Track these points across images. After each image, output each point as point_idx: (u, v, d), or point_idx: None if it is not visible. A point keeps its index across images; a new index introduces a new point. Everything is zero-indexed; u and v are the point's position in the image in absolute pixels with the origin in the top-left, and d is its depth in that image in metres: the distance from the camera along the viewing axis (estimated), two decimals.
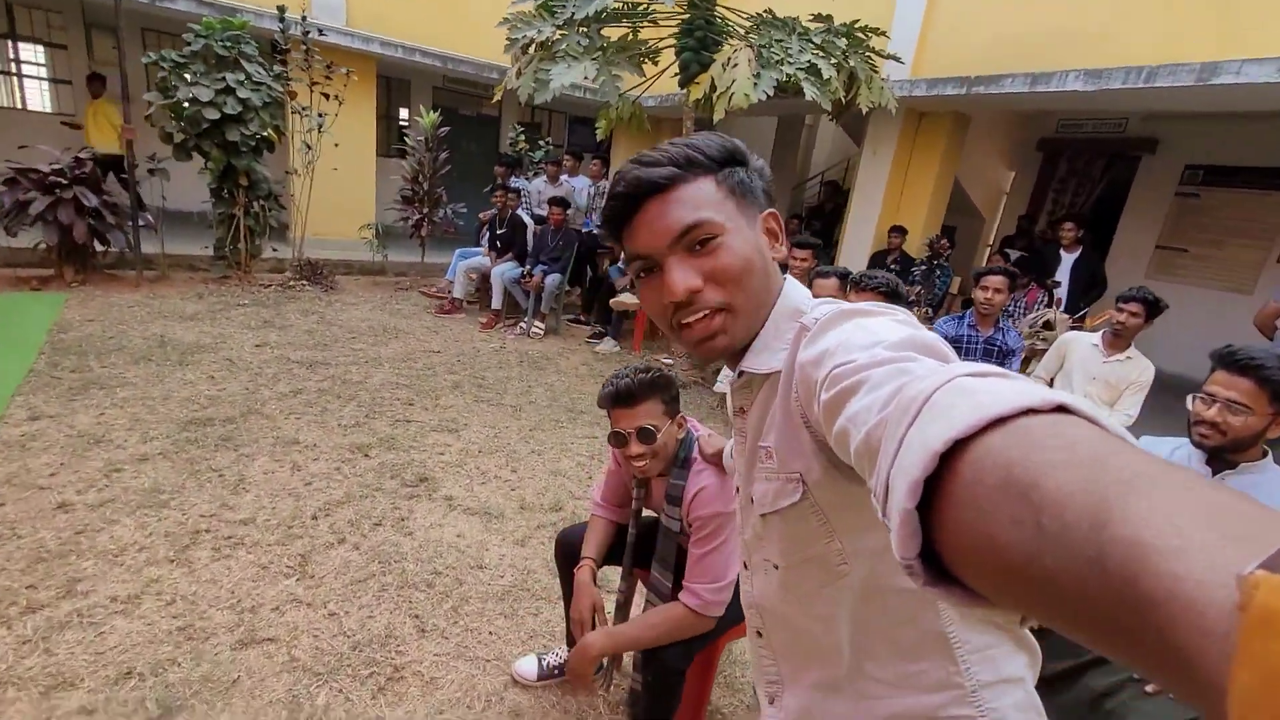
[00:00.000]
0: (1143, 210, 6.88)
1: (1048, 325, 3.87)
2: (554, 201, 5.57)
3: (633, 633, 1.44)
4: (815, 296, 2.60)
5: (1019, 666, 0.71)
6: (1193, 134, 6.35)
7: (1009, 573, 0.28)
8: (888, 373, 0.46)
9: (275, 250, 6.51)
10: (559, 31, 4.56)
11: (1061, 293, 4.87)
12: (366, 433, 3.31)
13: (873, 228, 6.27)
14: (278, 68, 5.88)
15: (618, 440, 1.43)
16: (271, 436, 3.12)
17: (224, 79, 5.39)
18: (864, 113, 4.80)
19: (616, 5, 4.56)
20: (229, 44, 5.50)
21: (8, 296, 4.72)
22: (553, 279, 5.51)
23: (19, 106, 8.48)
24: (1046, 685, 1.39)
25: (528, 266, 5.58)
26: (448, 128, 6.81)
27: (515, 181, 6.84)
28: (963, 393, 0.35)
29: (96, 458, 2.71)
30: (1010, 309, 4.40)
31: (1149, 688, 1.35)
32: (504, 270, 5.62)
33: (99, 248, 5.44)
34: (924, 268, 5.50)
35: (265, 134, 5.63)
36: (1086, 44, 4.62)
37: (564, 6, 4.51)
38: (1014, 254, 6.24)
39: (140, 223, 5.50)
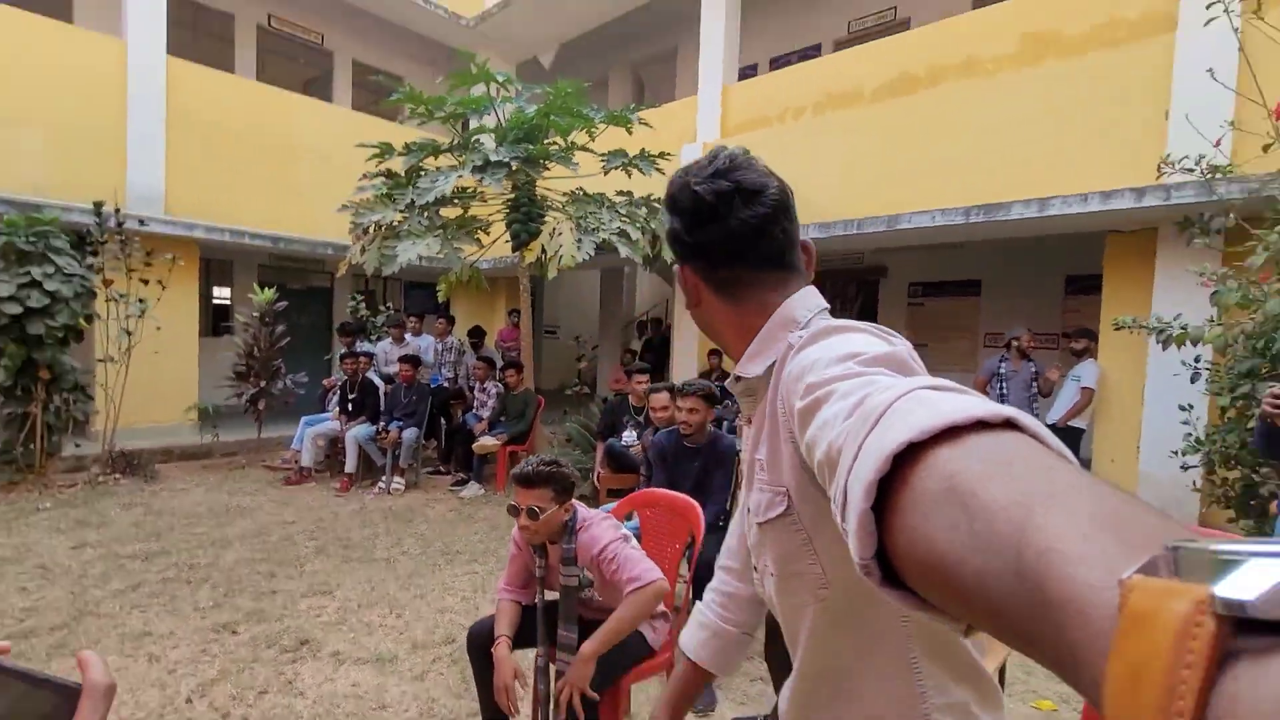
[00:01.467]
0: (889, 317, 8.79)
1: None
2: (404, 360, 5.86)
3: (611, 627, 1.70)
4: (652, 409, 3.27)
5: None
6: (909, 261, 8.44)
7: (944, 574, 0.30)
8: (856, 385, 0.47)
9: (78, 445, 5.89)
10: (400, 215, 5.16)
11: None
12: (230, 610, 3.15)
13: (694, 355, 7.32)
14: (90, 259, 5.74)
15: (512, 511, 1.81)
16: (116, 634, 2.87)
17: (28, 273, 5.16)
18: (669, 263, 5.90)
19: (451, 192, 5.31)
20: (34, 239, 5.33)
21: None
22: (409, 433, 5.64)
23: None
24: None
25: (382, 423, 5.68)
26: (284, 302, 6.92)
27: (362, 346, 7.02)
28: (921, 403, 0.37)
29: None
30: None
31: None
32: (358, 431, 5.65)
33: None
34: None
35: (74, 323, 5.36)
36: (815, 205, 6.20)
37: (404, 194, 5.16)
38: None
39: None
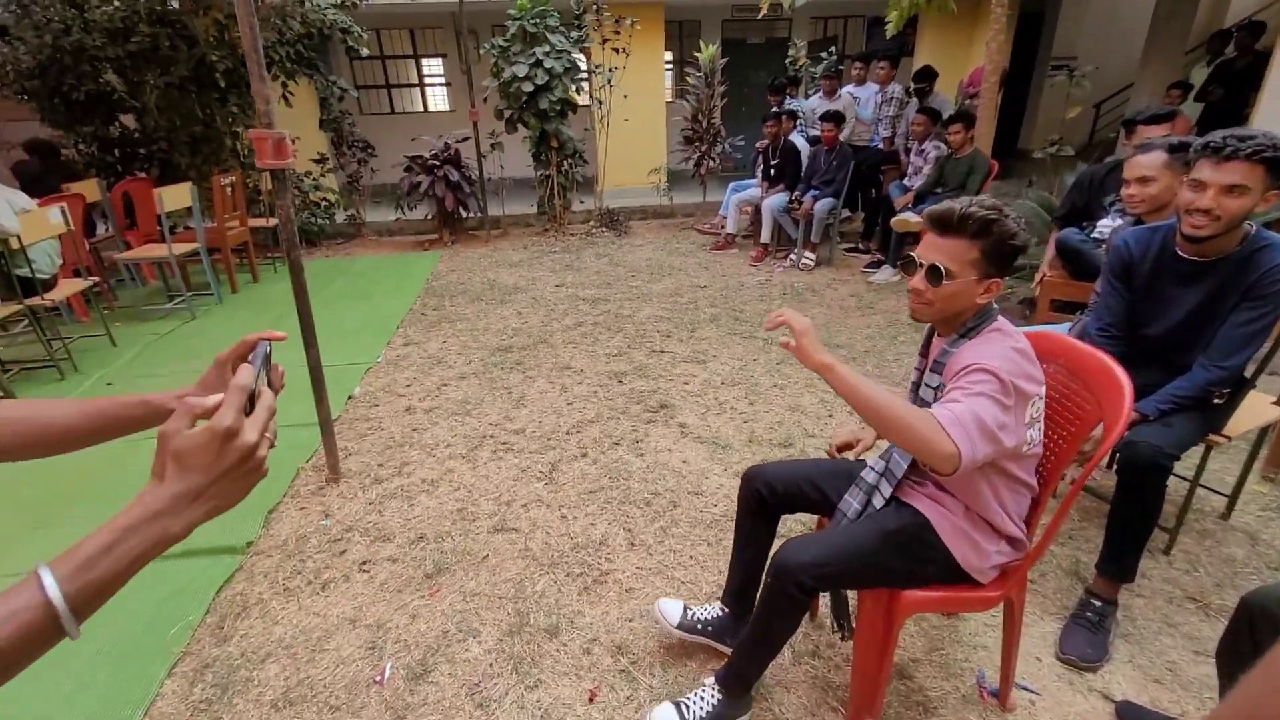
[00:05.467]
0: None
1: None
2: (825, 118, 5.08)
3: (867, 392, 1.13)
4: (1126, 176, 2.12)
5: None
6: None
7: None
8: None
9: (583, 202, 7.41)
10: None
11: None
12: (625, 361, 3.62)
13: None
14: (574, 33, 6.51)
15: (906, 266, 1.28)
16: (551, 362, 3.65)
17: (534, 53, 6.21)
18: None
19: None
20: (536, 21, 6.28)
21: (407, 256, 6.39)
22: (823, 204, 5.10)
23: (423, 109, 11.17)
24: None
25: (796, 193, 5.26)
26: (725, 59, 6.71)
27: (792, 103, 6.44)
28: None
29: (435, 374, 3.55)
30: None
31: None
32: (773, 201, 5.41)
33: (463, 213, 6.96)
34: None
35: (566, 96, 6.34)
36: None
37: None
38: None
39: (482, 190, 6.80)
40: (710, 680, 1.47)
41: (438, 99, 11.26)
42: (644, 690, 1.61)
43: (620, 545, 2.15)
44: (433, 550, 2.16)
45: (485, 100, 6.48)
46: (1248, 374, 1.78)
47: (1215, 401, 1.71)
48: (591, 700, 1.60)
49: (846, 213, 6.37)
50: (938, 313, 1.27)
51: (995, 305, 1.28)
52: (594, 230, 7.05)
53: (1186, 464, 1.96)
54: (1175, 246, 1.72)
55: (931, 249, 1.23)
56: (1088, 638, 1.64)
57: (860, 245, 5.72)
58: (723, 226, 6.18)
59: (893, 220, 4.74)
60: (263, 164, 2.08)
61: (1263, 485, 2.30)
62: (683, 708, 1.44)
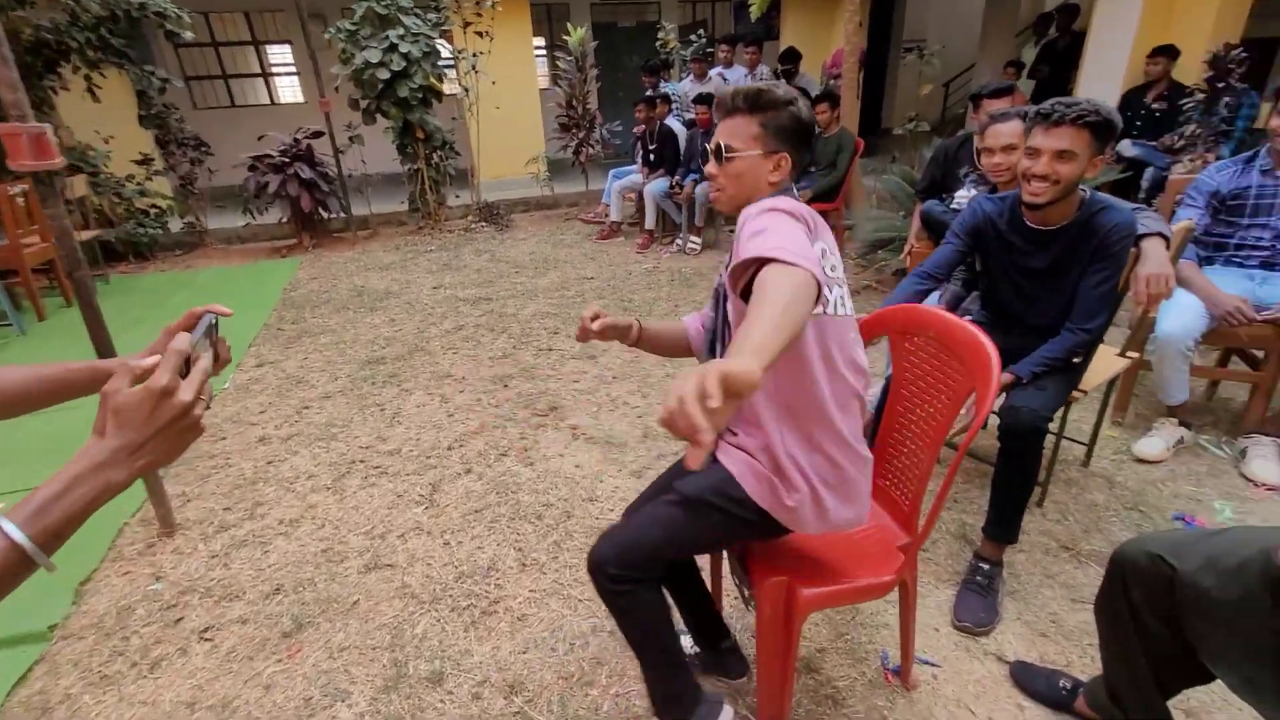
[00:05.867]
0: None
1: None
2: (699, 100, 5.06)
3: (765, 325, 0.78)
4: (989, 145, 2.11)
5: None
6: None
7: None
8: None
9: (458, 196, 7.00)
10: None
11: None
12: (510, 363, 3.40)
13: (1125, 55, 4.65)
14: (432, 16, 6.09)
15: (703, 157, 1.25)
16: (429, 371, 3.36)
17: (387, 37, 5.73)
18: None
19: None
20: (386, 2, 5.80)
21: (260, 264, 5.75)
22: (703, 187, 5.08)
23: (270, 102, 10.13)
24: None
25: (676, 177, 5.22)
26: (596, 42, 6.55)
27: (665, 86, 6.39)
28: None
29: (294, 397, 3.16)
30: None
31: None
32: (654, 186, 5.34)
33: (324, 214, 6.35)
34: (1203, 97, 3.94)
35: (428, 83, 5.92)
36: None
37: None
38: None
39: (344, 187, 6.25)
40: None
41: (287, 90, 10.28)
42: None
43: (511, 568, 1.97)
44: (292, 603, 1.87)
45: (337, 89, 5.93)
46: None
47: (1075, 360, 1.78)
48: None
49: None
50: (730, 199, 1.20)
51: (794, 189, 1.21)
52: (473, 226, 6.69)
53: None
54: (1022, 216, 1.77)
55: (718, 133, 1.19)
56: (979, 602, 1.67)
57: None
58: (606, 215, 6.05)
59: None
60: (17, 165, 1.67)
61: (1113, 430, 2.49)
62: None
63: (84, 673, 1.68)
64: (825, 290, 1.01)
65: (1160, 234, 1.69)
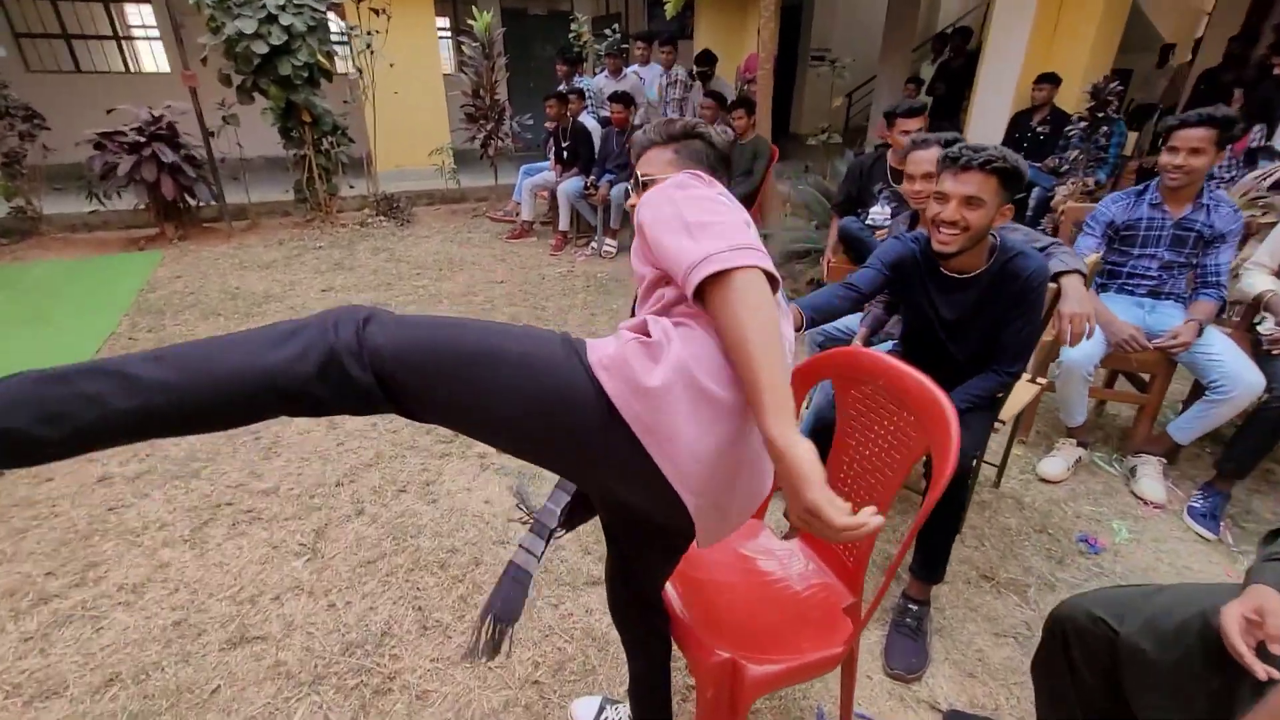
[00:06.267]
0: None
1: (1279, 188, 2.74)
2: (615, 98, 4.88)
3: (764, 363, 0.75)
4: (910, 172, 1.72)
5: None
6: None
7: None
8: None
9: (352, 187, 6.43)
10: None
11: None
12: None
13: (1014, 80, 4.94)
14: None
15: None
16: None
17: (264, 6, 5.12)
18: None
19: None
20: None
21: (111, 258, 4.99)
22: (619, 188, 4.92)
23: (126, 69, 8.90)
24: None
25: (591, 177, 5.03)
26: (504, 29, 6.20)
27: (580, 81, 6.16)
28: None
29: None
30: (1217, 170, 3.25)
31: None
32: (569, 185, 5.11)
33: (190, 202, 5.61)
34: (1084, 125, 4.24)
35: (315, 61, 5.36)
36: None
37: None
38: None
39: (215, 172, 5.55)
40: None
41: (149, 57, 9.09)
42: None
43: (409, 632, 1.72)
44: (130, 697, 1.53)
45: (205, 61, 5.23)
46: None
47: (999, 396, 1.77)
48: None
49: None
50: None
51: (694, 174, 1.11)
52: (369, 220, 6.17)
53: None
54: (937, 262, 1.73)
55: (639, 167, 1.14)
56: (910, 646, 1.62)
57: None
58: (517, 213, 5.75)
59: None
60: None
61: (1019, 448, 2.58)
62: None
63: None
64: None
65: (1078, 270, 1.71)
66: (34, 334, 3.56)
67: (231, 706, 1.52)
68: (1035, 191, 4.58)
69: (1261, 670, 0.93)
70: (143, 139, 5.16)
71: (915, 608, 1.68)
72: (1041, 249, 1.78)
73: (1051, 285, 1.71)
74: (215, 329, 3.65)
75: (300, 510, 2.19)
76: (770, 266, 0.80)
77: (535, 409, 0.83)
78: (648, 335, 0.85)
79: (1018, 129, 4.84)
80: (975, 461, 1.60)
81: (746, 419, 0.84)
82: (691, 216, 0.83)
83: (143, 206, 5.48)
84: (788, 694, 1.57)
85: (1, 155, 5.18)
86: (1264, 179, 2.65)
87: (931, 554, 1.65)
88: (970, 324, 1.71)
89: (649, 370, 0.81)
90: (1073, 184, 4.14)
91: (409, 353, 0.82)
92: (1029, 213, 4.58)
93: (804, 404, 2.12)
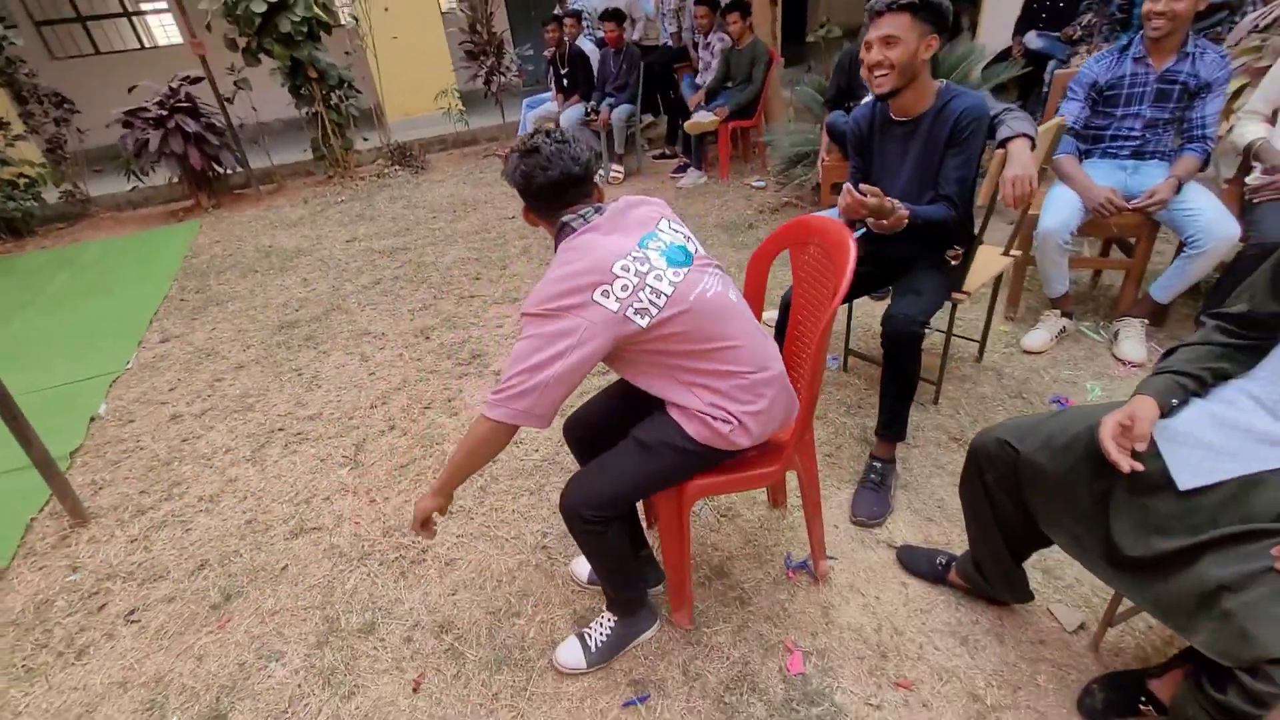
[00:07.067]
0: None
1: None
2: (607, 16, 4.81)
3: (450, 466, 1.34)
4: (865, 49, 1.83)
5: None
6: None
7: None
8: None
9: (366, 140, 6.58)
10: None
11: None
12: (432, 314, 3.33)
13: None
14: None
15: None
16: (348, 330, 3.27)
17: None
18: None
19: None
20: None
21: (156, 231, 5.36)
22: (620, 111, 4.92)
23: (141, 46, 9.12)
24: (1146, 568, 1.07)
25: (592, 102, 5.03)
26: None
27: (576, 3, 6.04)
28: None
29: (205, 370, 3.04)
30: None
31: None
32: (570, 113, 5.13)
33: (219, 170, 5.89)
34: None
35: (312, 15, 5.43)
36: None
37: None
38: None
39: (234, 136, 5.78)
40: (605, 611, 1.53)
41: (160, 30, 9.27)
42: (472, 663, 1.54)
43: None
44: (218, 576, 1.88)
45: (209, 27, 5.37)
46: (976, 230, 1.95)
47: (952, 263, 1.86)
48: (416, 689, 1.50)
49: (650, 118, 6.26)
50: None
51: (573, 223, 1.22)
52: (386, 170, 6.34)
53: (941, 320, 2.17)
54: (889, 112, 1.81)
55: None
56: (873, 497, 1.81)
57: (668, 150, 5.66)
58: None
59: (686, 124, 4.70)
60: None
61: (1006, 325, 2.65)
62: (585, 637, 1.49)
63: (6, 669, 1.67)
64: (631, 315, 1.14)
65: (1026, 134, 1.75)
66: (100, 304, 3.95)
67: (298, 579, 1.84)
68: (1051, 65, 4.36)
69: (1126, 465, 1.07)
70: (165, 112, 5.40)
71: (880, 464, 1.85)
72: (994, 116, 1.81)
73: (1000, 151, 1.76)
74: (254, 284, 3.97)
75: (341, 430, 2.49)
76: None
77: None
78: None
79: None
80: (923, 327, 1.71)
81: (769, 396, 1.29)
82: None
83: (176, 180, 5.79)
84: (759, 541, 1.79)
85: (44, 142, 5.52)
86: (1261, 21, 2.50)
87: (889, 414, 1.81)
88: (925, 168, 1.80)
89: (721, 426, 1.27)
90: (1088, 50, 3.93)
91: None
92: (1045, 89, 4.38)
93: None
